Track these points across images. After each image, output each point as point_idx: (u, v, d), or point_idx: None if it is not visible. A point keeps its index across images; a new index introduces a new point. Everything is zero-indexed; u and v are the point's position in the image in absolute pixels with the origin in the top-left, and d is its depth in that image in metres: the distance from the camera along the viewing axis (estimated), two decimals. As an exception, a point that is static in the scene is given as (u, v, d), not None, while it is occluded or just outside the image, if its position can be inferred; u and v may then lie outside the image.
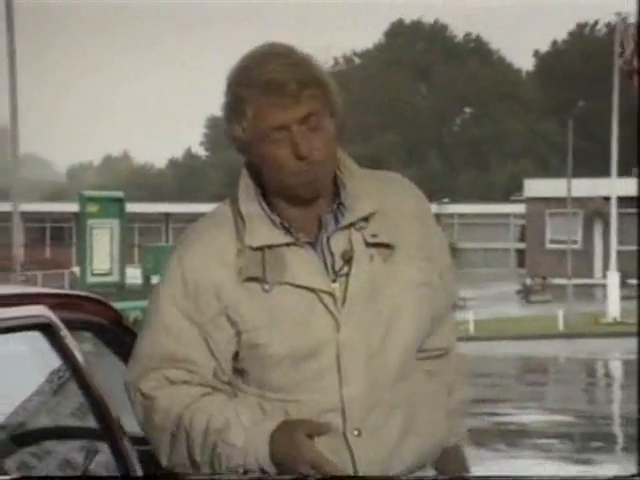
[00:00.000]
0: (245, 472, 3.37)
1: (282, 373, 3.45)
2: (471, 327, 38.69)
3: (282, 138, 3.33)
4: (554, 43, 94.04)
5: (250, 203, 3.49)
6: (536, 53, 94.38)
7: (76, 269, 40.32)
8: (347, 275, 3.43)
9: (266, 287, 3.43)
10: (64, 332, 3.77)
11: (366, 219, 3.45)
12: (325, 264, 3.45)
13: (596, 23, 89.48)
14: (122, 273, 31.48)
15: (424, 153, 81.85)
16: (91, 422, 4.01)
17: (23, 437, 3.53)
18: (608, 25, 68.85)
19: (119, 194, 33.99)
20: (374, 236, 3.42)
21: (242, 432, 3.36)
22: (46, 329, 3.59)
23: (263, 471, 3.34)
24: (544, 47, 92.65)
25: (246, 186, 3.52)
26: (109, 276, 30.64)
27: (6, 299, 3.60)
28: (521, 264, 69.46)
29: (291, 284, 3.38)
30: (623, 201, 54.96)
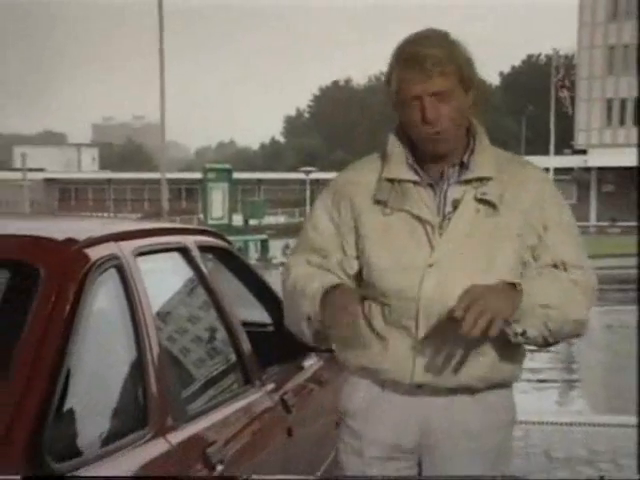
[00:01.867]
0: (308, 318, 3.07)
1: (381, 280, 3.12)
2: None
3: (416, 105, 3.01)
4: (512, 67, 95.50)
5: (394, 149, 3.15)
6: (501, 73, 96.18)
7: (201, 216, 40.20)
8: (451, 218, 3.08)
9: (387, 211, 3.11)
10: (195, 253, 3.76)
11: (481, 180, 3.09)
12: (438, 206, 3.10)
13: (540, 54, 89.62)
14: (230, 218, 31.75)
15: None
16: (211, 315, 3.91)
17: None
18: (547, 56, 68.79)
19: (228, 166, 34.43)
20: (484, 194, 3.07)
21: (317, 285, 3.06)
22: (183, 251, 3.61)
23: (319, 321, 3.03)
24: (506, 69, 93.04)
25: (393, 140, 3.17)
26: (222, 220, 31.04)
27: (159, 231, 3.62)
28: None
29: (407, 212, 3.09)
30: (557, 171, 56.86)
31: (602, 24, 75.39)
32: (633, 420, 9.56)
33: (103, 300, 3.02)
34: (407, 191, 3.12)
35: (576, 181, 70.54)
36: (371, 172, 3.20)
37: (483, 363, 3.09)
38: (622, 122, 76.65)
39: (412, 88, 3.00)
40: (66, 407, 2.68)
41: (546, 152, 58.82)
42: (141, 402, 3.07)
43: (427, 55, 2.98)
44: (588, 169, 71.42)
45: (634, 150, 72.65)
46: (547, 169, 58.08)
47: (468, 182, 3.10)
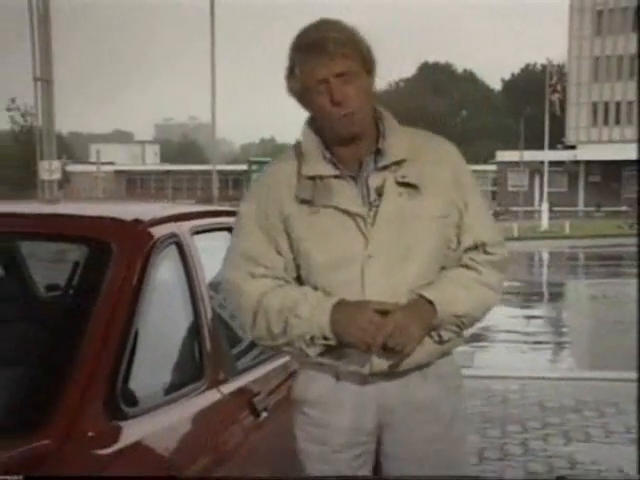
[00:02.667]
0: (311, 338, 2.71)
1: (322, 278, 2.76)
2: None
3: (323, 89, 2.67)
4: (512, 74, 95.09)
5: (309, 144, 2.79)
6: (502, 80, 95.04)
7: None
8: (378, 206, 2.74)
9: (314, 209, 2.75)
10: None
11: (398, 163, 2.75)
12: (362, 196, 2.76)
13: (535, 63, 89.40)
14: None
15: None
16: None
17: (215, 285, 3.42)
18: (542, 65, 68.14)
19: (269, 159, 33.85)
20: (403, 177, 2.74)
21: (308, 307, 2.70)
22: (230, 230, 3.60)
23: (325, 338, 2.70)
24: (506, 76, 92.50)
25: (307, 133, 2.82)
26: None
27: (211, 214, 3.61)
28: (494, 199, 67.97)
29: (335, 207, 2.73)
30: (551, 164, 56.37)
31: (588, 38, 75.46)
32: (613, 375, 9.57)
33: (165, 271, 3.04)
34: (330, 186, 2.77)
35: (567, 172, 70.35)
36: (290, 170, 2.83)
37: (428, 342, 2.80)
38: (606, 122, 76.74)
39: (317, 72, 2.68)
40: (135, 362, 2.70)
41: (541, 147, 58.23)
42: (197, 359, 3.10)
43: (328, 38, 2.67)
44: (577, 162, 71.23)
45: (616, 146, 72.81)
46: (542, 162, 58.02)
47: (386, 167, 2.77)
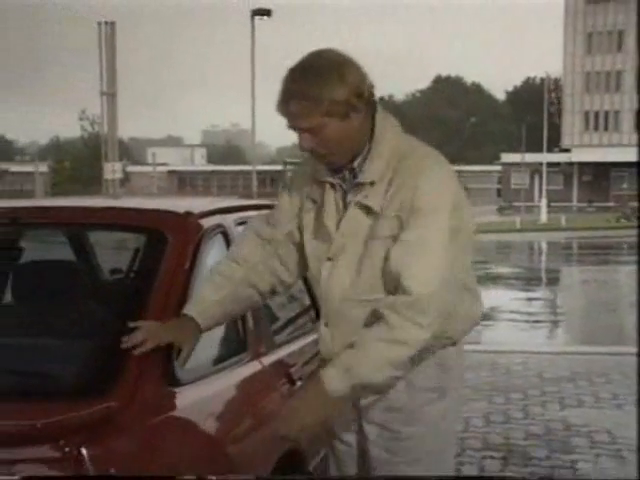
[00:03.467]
0: None
1: (309, 268, 2.66)
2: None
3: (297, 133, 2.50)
4: (515, 87, 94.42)
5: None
6: (506, 91, 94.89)
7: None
8: (342, 219, 2.56)
9: (313, 206, 2.62)
10: None
11: (367, 184, 2.48)
12: (340, 206, 2.54)
13: (535, 77, 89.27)
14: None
15: (450, 142, 79.69)
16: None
17: None
18: (542, 78, 67.87)
19: (301, 160, 33.74)
20: (365, 197, 2.49)
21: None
22: None
23: None
24: (510, 88, 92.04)
25: None
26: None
27: (252, 207, 3.60)
28: (499, 195, 67.66)
29: (322, 210, 2.58)
30: (549, 165, 57.20)
31: (581, 56, 75.69)
32: (603, 349, 9.53)
33: (213, 257, 3.01)
34: (325, 191, 2.60)
35: (562, 172, 70.19)
36: (307, 171, 2.66)
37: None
38: (596, 128, 76.67)
39: (287, 122, 2.47)
40: None
41: (540, 150, 58.42)
42: (241, 334, 3.09)
43: (292, 97, 2.40)
44: (571, 163, 71.25)
45: (605, 149, 72.98)
46: (541, 163, 57.96)
47: (358, 185, 2.53)
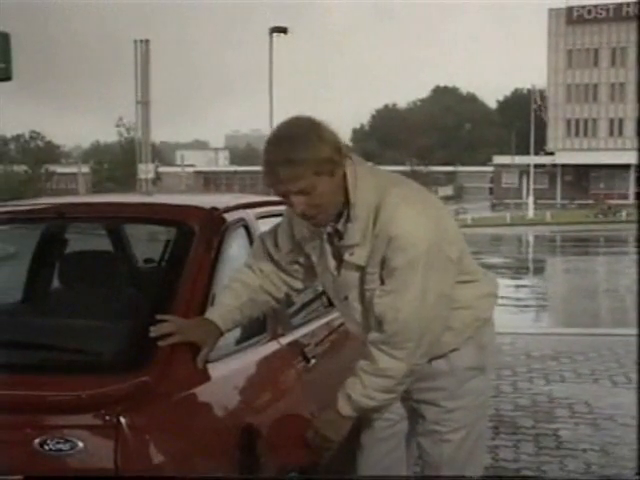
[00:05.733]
0: None
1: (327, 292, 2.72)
2: (469, 220, 37.66)
3: (287, 199, 2.40)
4: (505, 96, 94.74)
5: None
6: (497, 100, 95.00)
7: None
8: (339, 269, 2.53)
9: (311, 250, 2.59)
10: None
11: (350, 246, 2.42)
12: (335, 255, 2.50)
13: (523, 88, 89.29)
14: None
15: (448, 146, 79.32)
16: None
17: None
18: (528, 90, 68.00)
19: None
20: (351, 255, 2.42)
21: None
22: None
23: None
24: (500, 98, 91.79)
25: None
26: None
27: (271, 203, 3.59)
28: (491, 193, 67.48)
29: (322, 257, 2.56)
30: (536, 166, 56.75)
31: (562, 70, 76.09)
32: (582, 331, 9.54)
33: (236, 248, 3.00)
34: (322, 241, 2.52)
35: (547, 173, 70.22)
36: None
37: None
38: (577, 134, 76.79)
39: (275, 190, 2.37)
40: None
41: (528, 153, 58.71)
42: (261, 316, 3.02)
43: (280, 162, 2.29)
44: (555, 165, 71.31)
45: (585, 153, 73.13)
46: (529, 165, 58.08)
47: (343, 246, 2.48)
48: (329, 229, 2.53)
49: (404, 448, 2.82)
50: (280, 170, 2.31)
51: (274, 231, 2.75)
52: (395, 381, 2.50)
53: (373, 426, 2.76)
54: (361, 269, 2.48)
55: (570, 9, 75.90)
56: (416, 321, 2.43)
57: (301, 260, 2.70)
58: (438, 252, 2.42)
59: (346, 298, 2.60)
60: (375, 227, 2.42)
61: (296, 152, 2.31)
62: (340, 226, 2.49)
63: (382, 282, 2.45)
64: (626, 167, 67.82)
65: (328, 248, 2.56)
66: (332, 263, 2.57)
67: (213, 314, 2.60)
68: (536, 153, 62.09)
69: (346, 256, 2.49)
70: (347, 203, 2.45)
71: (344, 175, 2.43)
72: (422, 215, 2.43)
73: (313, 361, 3.19)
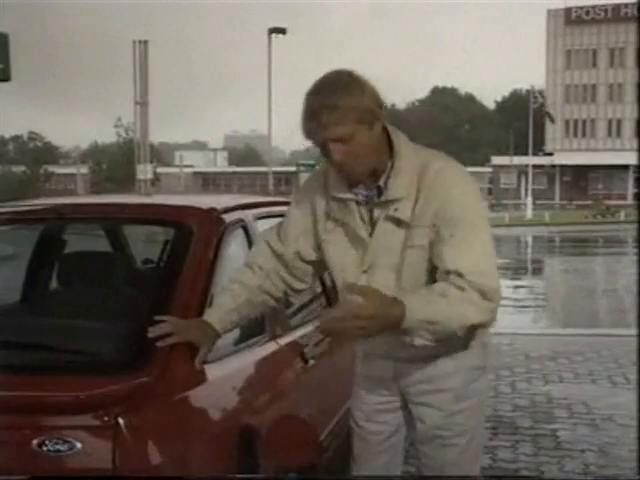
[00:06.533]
0: None
1: (336, 279, 2.54)
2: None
3: (324, 149, 2.34)
4: (503, 97, 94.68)
5: (333, 172, 2.45)
6: (496, 101, 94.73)
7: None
8: (373, 233, 2.43)
9: (335, 224, 2.50)
10: None
11: (394, 201, 2.38)
12: (369, 221, 2.42)
13: (521, 89, 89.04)
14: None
15: (446, 146, 79.62)
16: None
17: None
18: (527, 90, 67.70)
19: (313, 162, 33.98)
20: (395, 210, 2.38)
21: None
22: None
23: None
24: (499, 98, 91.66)
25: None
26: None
27: (269, 204, 3.59)
28: (489, 194, 67.59)
29: (349, 226, 2.46)
30: (534, 167, 57.36)
31: (561, 71, 76.44)
32: (580, 331, 9.55)
33: (234, 248, 3.00)
34: (349, 206, 2.46)
35: (546, 173, 70.29)
36: (320, 188, 2.51)
37: (403, 344, 2.36)
38: (575, 135, 76.92)
39: (316, 137, 2.35)
40: None
41: (526, 154, 58.65)
42: (260, 317, 2.99)
43: (322, 107, 2.28)
44: (554, 166, 71.37)
45: (583, 153, 73.21)
46: (527, 165, 58.10)
47: (385, 202, 2.41)
48: (363, 191, 2.47)
49: (399, 460, 2.72)
50: (322, 115, 2.30)
51: (277, 226, 2.71)
52: (477, 317, 2.33)
53: (367, 440, 2.67)
54: (405, 225, 2.42)
55: (569, 10, 76.17)
56: (494, 273, 2.37)
57: (304, 254, 2.62)
58: (484, 212, 2.49)
59: (369, 269, 2.47)
60: (423, 183, 2.40)
61: (338, 98, 2.30)
62: (381, 182, 2.44)
63: (430, 242, 2.39)
64: (624, 167, 67.94)
65: (358, 213, 2.48)
66: (363, 228, 2.47)
67: (210, 316, 2.58)
68: (535, 153, 62.12)
69: (390, 211, 2.42)
70: (385, 162, 2.43)
71: (384, 131, 2.43)
72: (469, 177, 2.49)
73: (311, 362, 3.19)
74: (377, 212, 2.46)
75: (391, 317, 2.24)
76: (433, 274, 2.42)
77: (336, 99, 2.30)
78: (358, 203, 2.48)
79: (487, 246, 2.40)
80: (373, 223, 2.47)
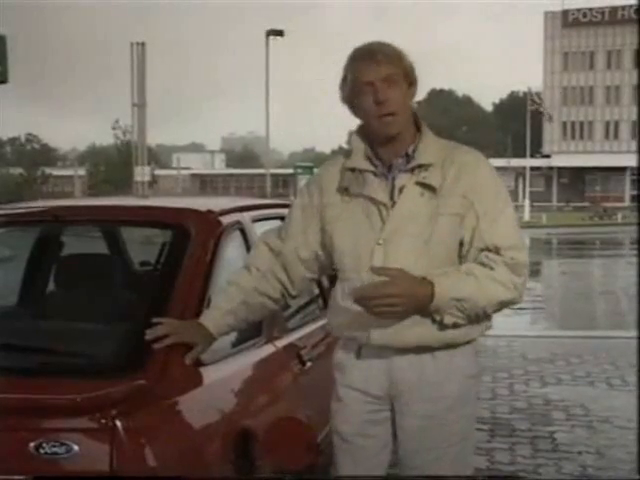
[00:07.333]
0: None
1: (343, 261, 2.47)
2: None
3: (369, 90, 2.39)
4: (501, 99, 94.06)
5: (355, 144, 2.48)
6: (493, 103, 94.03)
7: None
8: (397, 201, 2.44)
9: (347, 199, 2.49)
10: None
11: (423, 167, 2.41)
12: (389, 192, 2.43)
13: (519, 91, 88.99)
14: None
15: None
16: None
17: None
18: (524, 92, 67.75)
19: (311, 164, 33.92)
20: (424, 177, 2.40)
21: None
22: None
23: None
24: (496, 100, 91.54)
25: (355, 137, 2.50)
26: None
27: (267, 206, 3.59)
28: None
29: (365, 196, 2.44)
30: (532, 169, 58.54)
31: (558, 73, 76.52)
32: (577, 333, 9.55)
33: (232, 250, 3.00)
34: (366, 178, 2.47)
35: (543, 175, 70.50)
36: (336, 167, 2.54)
37: (427, 323, 2.37)
38: (573, 137, 77.01)
39: (365, 75, 2.40)
40: None
41: (524, 156, 58.70)
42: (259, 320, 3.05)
43: (378, 49, 2.44)
44: (551, 168, 71.70)
45: (580, 155, 73.33)
46: (524, 167, 58.23)
47: (412, 170, 2.43)
48: (381, 165, 2.50)
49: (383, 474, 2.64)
50: (379, 54, 2.42)
51: (278, 227, 2.71)
52: (506, 295, 2.39)
53: (356, 457, 2.57)
54: (434, 192, 2.42)
55: (566, 12, 76.34)
56: (524, 247, 2.48)
57: (303, 250, 2.59)
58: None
59: (384, 241, 2.42)
60: (451, 159, 2.46)
61: (394, 49, 2.46)
62: (409, 150, 2.48)
63: (461, 214, 2.41)
64: (622, 170, 68.10)
65: (376, 185, 2.47)
66: (385, 196, 2.45)
67: (206, 318, 2.57)
68: (532, 156, 62.27)
69: (417, 177, 2.44)
70: (413, 135, 2.49)
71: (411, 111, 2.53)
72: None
73: (309, 364, 3.19)
74: (403, 179, 2.46)
75: (421, 295, 2.30)
76: (455, 249, 2.44)
77: (394, 50, 2.47)
78: (375, 174, 2.49)
79: (515, 222, 2.52)
80: (393, 194, 2.46)
